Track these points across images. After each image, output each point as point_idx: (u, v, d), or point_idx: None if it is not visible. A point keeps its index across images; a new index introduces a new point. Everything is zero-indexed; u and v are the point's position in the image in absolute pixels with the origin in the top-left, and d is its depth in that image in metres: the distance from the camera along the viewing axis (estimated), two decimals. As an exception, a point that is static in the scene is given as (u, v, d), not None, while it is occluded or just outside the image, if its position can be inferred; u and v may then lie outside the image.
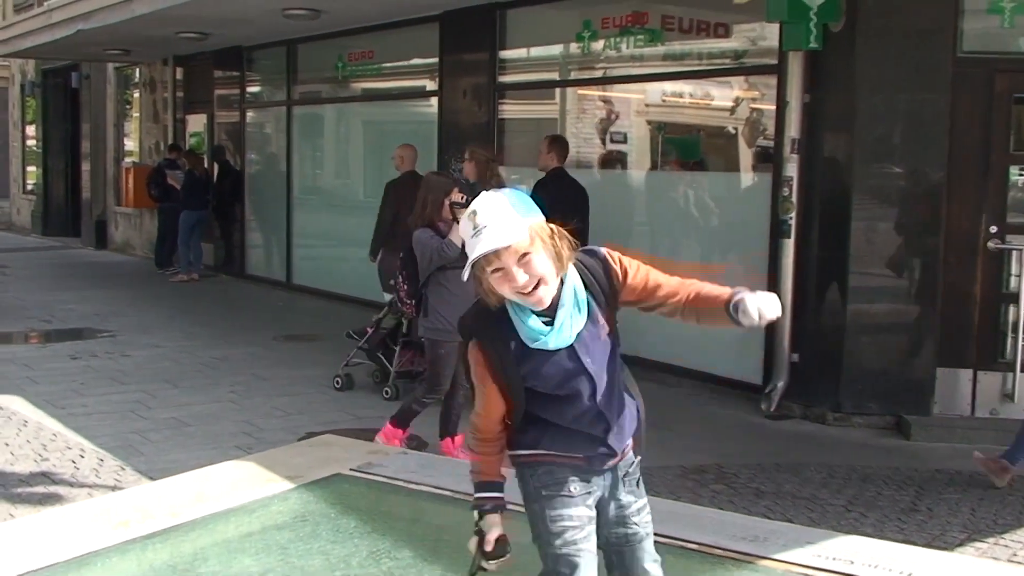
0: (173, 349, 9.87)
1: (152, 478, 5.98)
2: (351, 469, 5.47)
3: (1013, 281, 7.58)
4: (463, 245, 2.87)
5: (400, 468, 5.49)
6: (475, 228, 2.77)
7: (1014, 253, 7.55)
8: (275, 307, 13.11)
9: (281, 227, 14.87)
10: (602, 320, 2.96)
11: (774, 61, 8.17)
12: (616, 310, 3.01)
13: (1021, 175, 7.73)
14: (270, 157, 15.68)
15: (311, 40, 13.82)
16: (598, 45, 10.00)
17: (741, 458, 6.66)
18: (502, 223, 2.77)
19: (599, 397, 2.96)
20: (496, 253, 2.76)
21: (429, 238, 6.29)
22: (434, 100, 11.91)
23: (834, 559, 4.44)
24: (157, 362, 9.35)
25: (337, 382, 8.49)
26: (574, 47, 10.34)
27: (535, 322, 2.86)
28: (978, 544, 5.34)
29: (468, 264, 2.80)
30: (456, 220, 6.19)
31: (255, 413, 7.64)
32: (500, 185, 8.67)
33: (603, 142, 10.26)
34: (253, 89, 16.08)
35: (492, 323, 2.91)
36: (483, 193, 2.87)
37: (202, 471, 5.58)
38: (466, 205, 6.07)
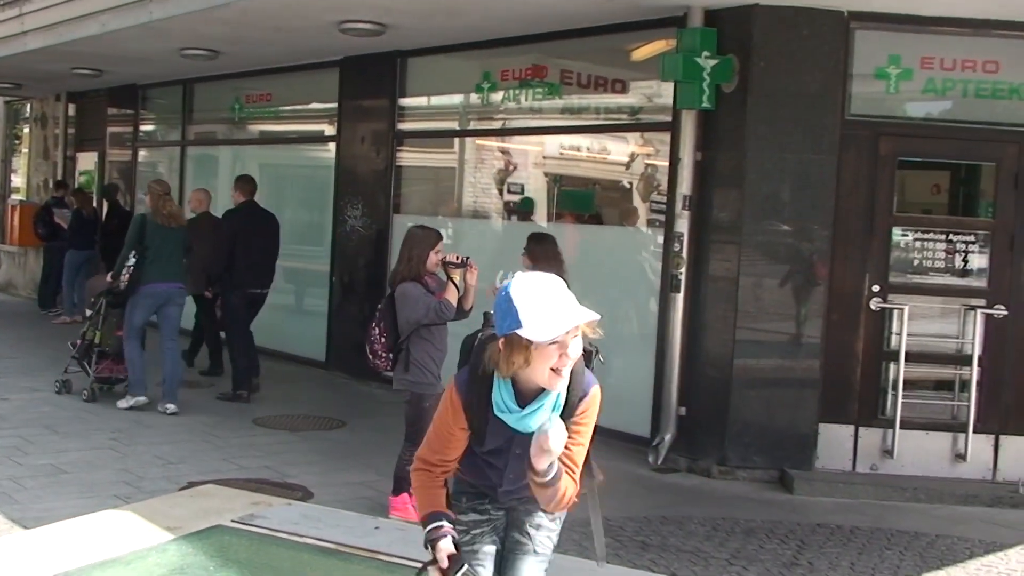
0: (54, 393, 9.56)
1: (26, 527, 5.77)
2: (232, 520, 5.37)
3: (895, 339, 7.78)
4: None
5: (283, 520, 5.40)
6: (546, 296, 2.90)
7: (895, 312, 7.76)
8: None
9: (172, 269, 14.55)
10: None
11: (668, 119, 8.32)
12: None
13: (904, 236, 7.96)
14: (162, 198, 15.37)
15: (208, 80, 13.68)
16: (497, 96, 10.09)
17: (627, 511, 6.68)
18: (572, 299, 2.94)
19: (505, 474, 3.25)
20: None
21: (422, 294, 6.16)
22: (332, 145, 11.86)
23: (716, 614, 4.47)
24: (36, 406, 9.05)
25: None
26: (474, 97, 10.41)
27: (511, 401, 3.06)
28: (857, 598, 5.43)
29: (544, 338, 2.86)
30: (451, 279, 6.15)
31: (136, 461, 7.43)
32: (172, 215, 9.30)
33: (500, 192, 10.32)
34: (147, 127, 15.83)
35: (483, 381, 3.11)
36: (535, 274, 2.98)
37: (78, 520, 5.43)
38: (460, 265, 6.10)
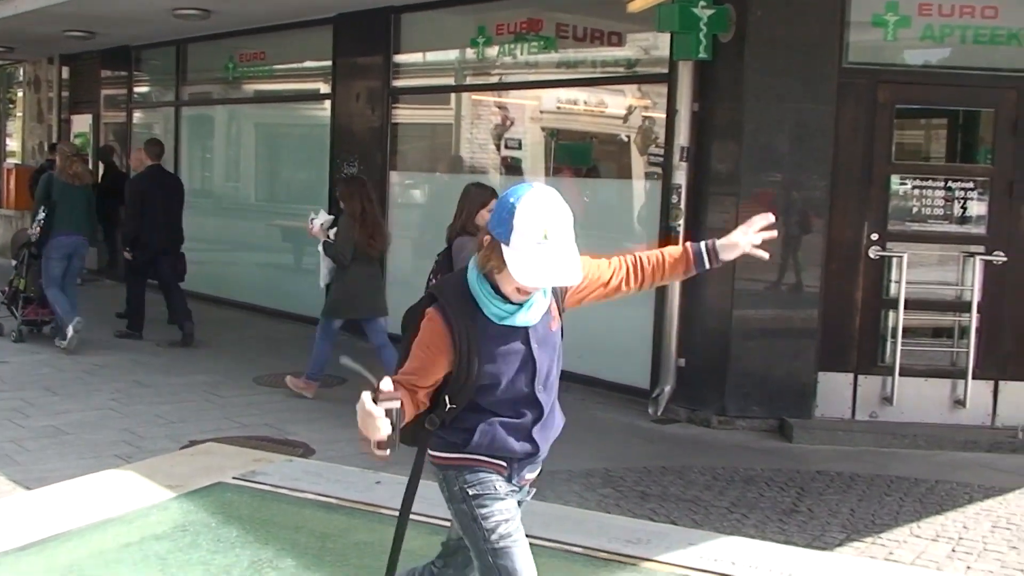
0: (53, 355, 9.58)
1: (28, 487, 5.78)
2: (234, 477, 5.40)
3: (893, 287, 7.78)
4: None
5: (284, 476, 5.42)
6: (544, 237, 2.80)
7: (894, 260, 7.75)
8: (160, 312, 12.79)
9: (169, 230, 14.53)
10: (554, 311, 3.05)
11: (665, 70, 8.26)
12: (563, 309, 3.11)
13: (902, 184, 7.94)
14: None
15: (201, 40, 13.58)
16: (492, 51, 10.02)
17: (627, 461, 6.70)
18: (572, 257, 2.85)
19: (537, 384, 3.00)
20: None
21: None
22: (327, 103, 11.80)
23: (716, 560, 4.51)
24: (36, 368, 9.07)
25: None
26: (469, 52, 10.34)
27: (503, 303, 2.91)
28: (856, 544, 5.46)
29: (515, 265, 2.78)
30: None
31: (136, 421, 7.45)
32: (76, 175, 10.02)
33: (498, 148, 10.28)
34: (141, 89, 15.74)
35: (462, 297, 2.94)
36: (551, 196, 2.85)
37: (79, 480, 5.46)
38: None
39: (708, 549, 4.65)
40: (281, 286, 12.80)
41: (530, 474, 3.14)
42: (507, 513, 3.03)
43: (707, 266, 3.24)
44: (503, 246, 2.80)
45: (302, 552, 4.66)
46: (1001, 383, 7.76)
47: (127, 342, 10.40)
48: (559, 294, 3.07)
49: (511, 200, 2.84)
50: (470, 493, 3.04)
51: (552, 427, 3.12)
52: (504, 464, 3.04)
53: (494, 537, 3.00)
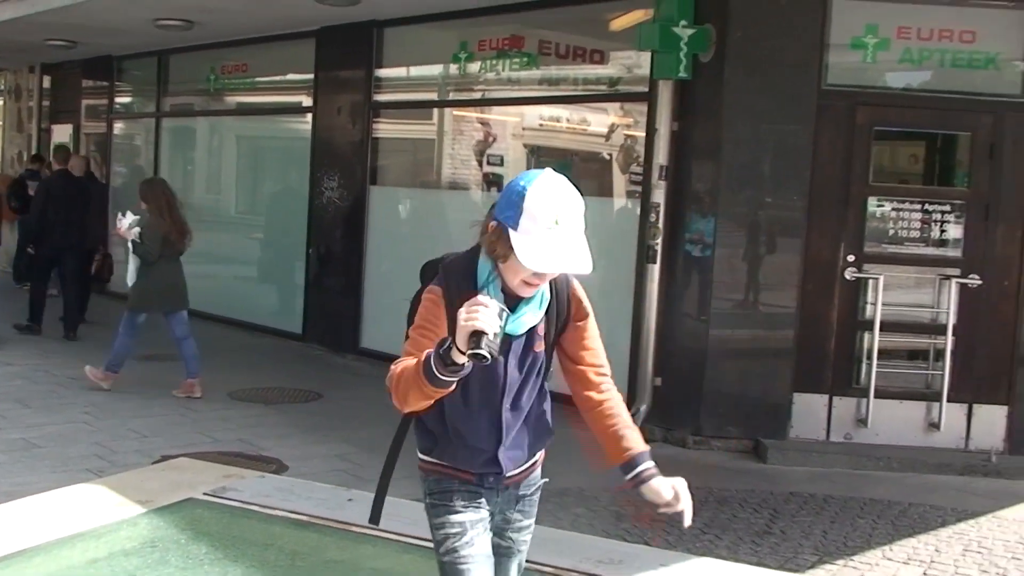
0: (27, 367, 9.52)
1: (-4, 501, 5.73)
2: (204, 493, 5.35)
3: (869, 309, 7.80)
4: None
5: (255, 492, 5.38)
6: (556, 223, 2.66)
7: (870, 281, 7.77)
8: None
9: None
10: (541, 333, 2.92)
11: (646, 89, 8.28)
12: (554, 343, 2.98)
13: (880, 206, 7.96)
14: (137, 170, 15.25)
15: (183, 51, 13.54)
16: (475, 67, 10.03)
17: (602, 481, 6.66)
18: (582, 244, 2.70)
19: (505, 406, 2.91)
20: None
21: None
22: (309, 116, 11.78)
23: (687, 583, 4.49)
24: (9, 380, 9.00)
25: None
26: (451, 68, 10.34)
27: (501, 299, 2.74)
28: (828, 566, 5.46)
29: (521, 250, 2.64)
30: None
31: (109, 435, 7.40)
32: None
33: (479, 164, 10.28)
34: (122, 99, 15.68)
35: (462, 273, 2.83)
36: (563, 182, 2.73)
37: (50, 494, 5.39)
38: None
39: (680, 570, 4.64)
40: (258, 300, 12.76)
41: (513, 473, 3.04)
42: (458, 527, 2.94)
43: (625, 475, 3.07)
44: (511, 231, 2.67)
45: (271, 569, 4.64)
46: (975, 406, 7.77)
47: (103, 353, 10.33)
48: (556, 320, 2.94)
49: (521, 183, 2.71)
50: (428, 501, 3.03)
51: (521, 447, 3.05)
52: (471, 473, 2.98)
53: (441, 551, 2.96)
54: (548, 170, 2.76)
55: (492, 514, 3.05)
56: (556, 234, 2.65)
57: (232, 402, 8.62)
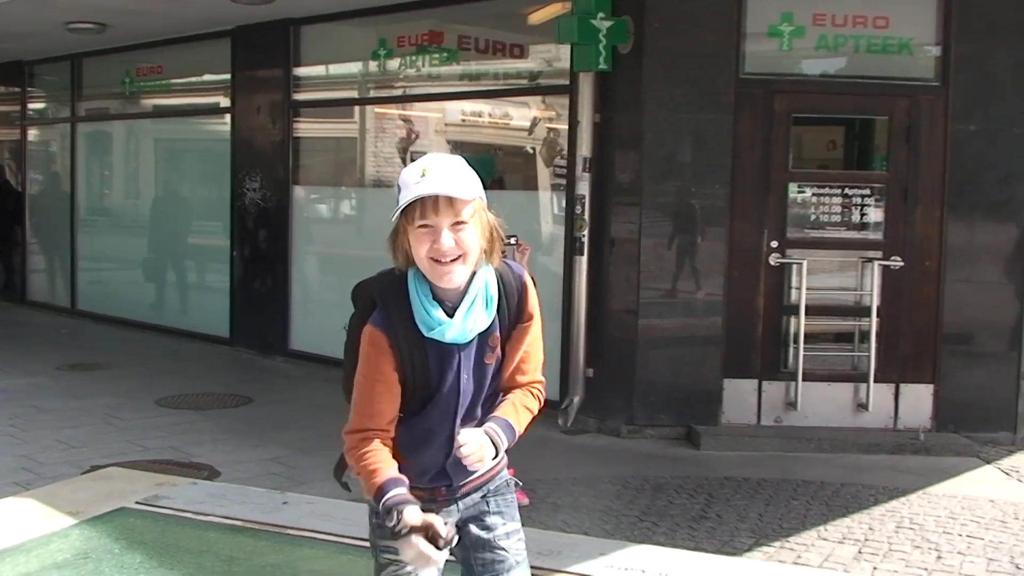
0: (-54, 381, 9.28)
1: (-82, 520, 5.57)
2: (136, 502, 5.28)
3: (794, 294, 7.90)
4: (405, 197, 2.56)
5: (188, 499, 5.32)
6: (423, 174, 2.54)
7: (794, 267, 7.88)
8: (59, 334, 12.51)
9: (65, 250, 14.22)
10: (495, 344, 2.75)
11: (567, 82, 8.30)
12: (506, 335, 2.78)
13: (801, 192, 8.07)
14: (53, 176, 14.98)
15: (97, 55, 13.28)
16: (394, 63, 9.98)
17: (538, 473, 6.69)
18: (454, 177, 2.56)
19: (457, 420, 2.72)
20: (435, 205, 2.54)
21: None
22: (227, 117, 11.63)
23: (626, 569, 4.52)
24: (-72, 395, 8.78)
25: None
26: (371, 65, 10.28)
27: (435, 310, 2.62)
28: (765, 548, 5.52)
29: (401, 205, 2.55)
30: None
31: (36, 447, 7.23)
32: None
33: (403, 161, 10.22)
34: (35, 105, 15.34)
35: (396, 298, 2.65)
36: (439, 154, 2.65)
37: (-26, 510, 5.27)
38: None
39: (619, 558, 4.67)
40: (183, 304, 12.59)
41: (468, 482, 2.82)
42: (398, 554, 2.64)
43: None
44: (396, 214, 2.58)
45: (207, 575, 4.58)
46: (902, 386, 7.92)
47: (25, 364, 10.13)
48: (508, 320, 2.76)
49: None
50: (373, 521, 2.82)
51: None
52: (421, 489, 2.72)
53: (382, 574, 2.82)
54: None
55: (464, 521, 2.85)
56: (426, 179, 2.55)
57: (161, 409, 8.48)
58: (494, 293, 2.72)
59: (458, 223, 2.57)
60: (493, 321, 2.73)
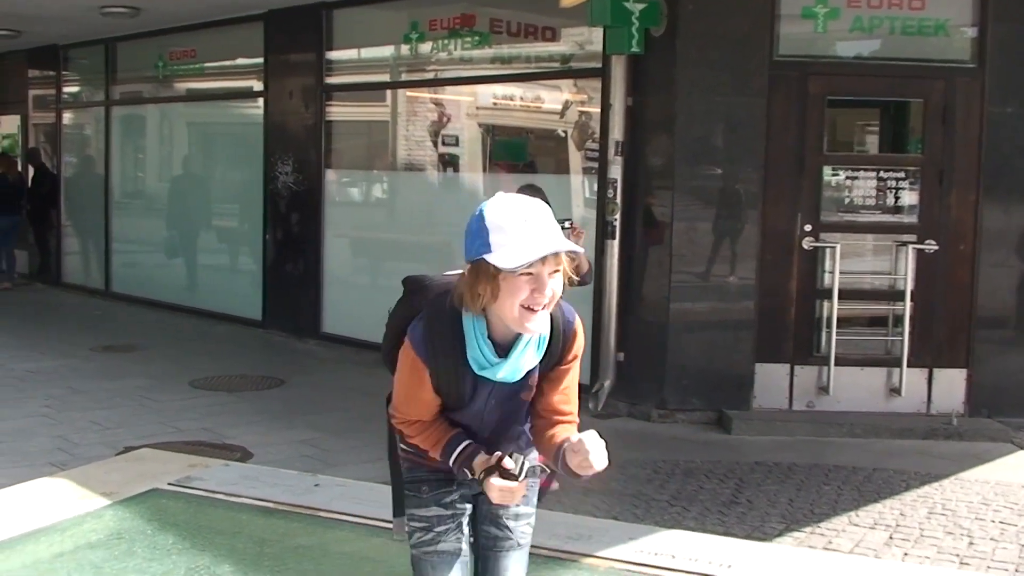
0: (-16, 364, 9.39)
1: (-43, 499, 5.65)
2: (169, 484, 5.32)
3: (827, 277, 7.85)
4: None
5: (220, 481, 5.35)
6: (525, 220, 2.50)
7: (828, 250, 7.82)
8: (93, 316, 12.63)
9: (99, 233, 14.33)
10: (533, 383, 2.76)
11: (599, 65, 8.26)
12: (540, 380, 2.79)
13: (835, 175, 8.01)
14: (88, 160, 15.10)
15: (131, 39, 13.36)
16: (426, 47, 9.97)
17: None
18: (553, 223, 2.56)
19: (494, 433, 2.82)
20: (544, 258, 2.50)
21: None
22: (260, 101, 11.66)
23: (656, 554, 4.51)
24: (-34, 376, 8.89)
25: None
26: (403, 49, 10.28)
27: (489, 349, 2.63)
28: (796, 534, 5.50)
29: (517, 261, 2.46)
30: None
31: (70, 428, 7.31)
32: None
33: (435, 144, 10.23)
34: (70, 89, 15.46)
35: (446, 331, 2.65)
36: (518, 195, 2.61)
37: (11, 489, 5.35)
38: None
39: (648, 543, 4.66)
40: (216, 287, 12.66)
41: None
42: (423, 523, 2.87)
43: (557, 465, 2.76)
44: (485, 257, 2.48)
45: (240, 558, 4.60)
46: (935, 371, 7.86)
47: (59, 346, 10.23)
48: (550, 362, 2.75)
49: (475, 215, 2.56)
50: (406, 492, 2.95)
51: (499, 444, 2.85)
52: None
53: (411, 543, 2.92)
54: (499, 194, 2.62)
55: (474, 505, 2.93)
56: (529, 227, 2.50)
57: (194, 391, 8.54)
58: (546, 334, 2.72)
59: (555, 271, 2.57)
60: (537, 363, 2.74)
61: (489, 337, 2.64)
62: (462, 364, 2.66)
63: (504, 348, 2.65)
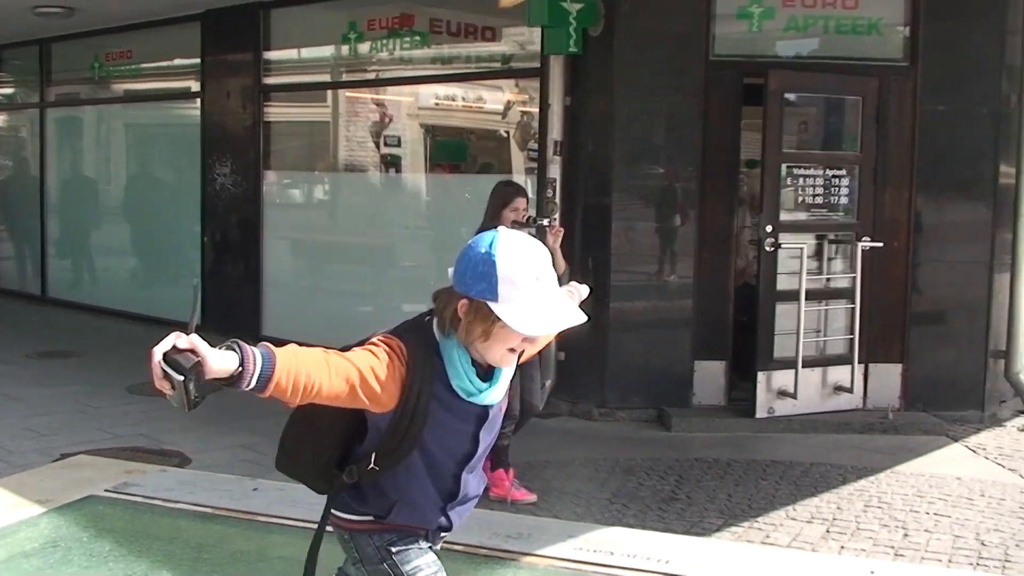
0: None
1: None
2: (106, 490, 5.26)
3: (780, 279, 7.82)
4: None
5: (158, 487, 5.30)
6: (537, 279, 2.44)
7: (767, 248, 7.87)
8: (30, 322, 12.43)
9: (35, 237, 14.09)
10: (507, 395, 2.80)
11: (538, 65, 8.28)
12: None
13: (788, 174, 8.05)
14: (22, 162, 14.87)
15: (66, 39, 13.15)
16: (365, 47, 9.93)
17: (510, 457, 6.70)
18: (563, 292, 2.61)
19: (467, 468, 2.73)
20: None
21: None
22: (197, 102, 11.54)
23: (595, 551, 4.54)
24: None
25: None
26: (342, 49, 10.23)
27: (476, 377, 2.57)
28: (734, 528, 5.55)
29: (536, 327, 2.43)
30: None
31: (5, 435, 7.18)
32: None
33: (377, 145, 10.19)
34: (3, 91, 15.23)
35: (430, 351, 2.55)
36: (525, 237, 2.52)
37: (-58, 499, 5.24)
38: (525, 225, 5.84)
39: (587, 540, 4.69)
40: (153, 290, 12.52)
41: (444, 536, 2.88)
42: (434, 565, 2.75)
43: None
44: (491, 304, 2.42)
45: (177, 563, 4.56)
46: (871, 366, 7.96)
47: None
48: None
49: (483, 251, 2.45)
50: (392, 551, 2.73)
51: (467, 502, 2.83)
52: (424, 529, 2.78)
53: None
54: (502, 229, 2.55)
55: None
56: (541, 291, 2.45)
57: (131, 396, 8.43)
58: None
59: None
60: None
61: (473, 364, 2.59)
62: (439, 391, 2.55)
63: (485, 371, 2.61)
